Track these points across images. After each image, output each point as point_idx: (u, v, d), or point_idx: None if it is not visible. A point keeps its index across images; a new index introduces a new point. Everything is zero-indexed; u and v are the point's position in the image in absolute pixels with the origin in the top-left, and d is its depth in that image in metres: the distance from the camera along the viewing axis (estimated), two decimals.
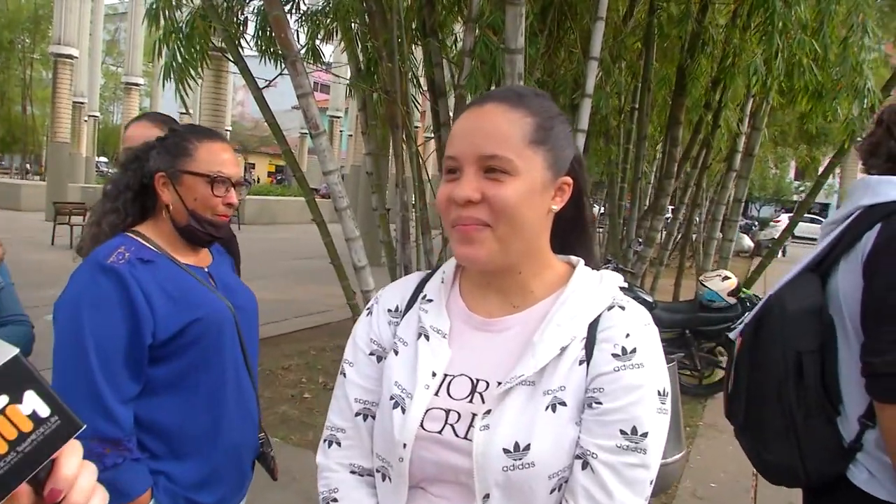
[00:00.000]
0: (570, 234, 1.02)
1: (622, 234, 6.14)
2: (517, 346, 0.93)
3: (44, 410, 0.51)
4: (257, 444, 1.64)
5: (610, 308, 0.93)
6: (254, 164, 44.77)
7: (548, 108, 0.94)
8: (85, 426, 0.54)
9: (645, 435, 0.86)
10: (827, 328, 1.49)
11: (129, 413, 1.36)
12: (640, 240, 5.84)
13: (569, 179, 0.95)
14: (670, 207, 8.06)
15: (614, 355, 0.88)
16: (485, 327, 0.97)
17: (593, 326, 0.91)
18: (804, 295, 1.53)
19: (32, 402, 0.51)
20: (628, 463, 0.85)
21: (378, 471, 0.98)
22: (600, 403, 0.87)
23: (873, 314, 1.38)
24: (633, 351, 0.88)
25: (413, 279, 1.09)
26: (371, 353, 1.03)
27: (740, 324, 1.73)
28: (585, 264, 0.99)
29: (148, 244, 1.46)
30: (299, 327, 6.99)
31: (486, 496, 0.88)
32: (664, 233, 8.53)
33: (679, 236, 10.55)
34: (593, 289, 0.95)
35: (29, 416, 0.51)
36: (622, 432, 0.86)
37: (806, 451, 1.49)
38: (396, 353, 0.99)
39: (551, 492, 0.88)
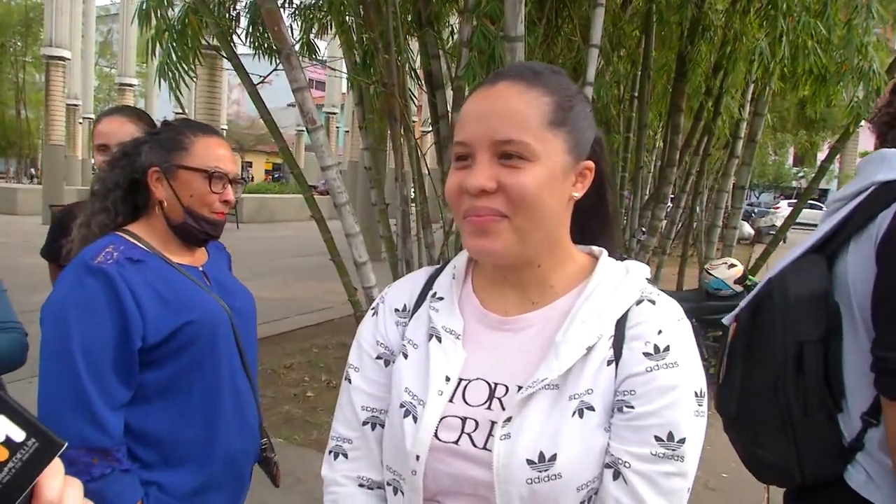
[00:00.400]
0: (590, 223, 0.95)
1: (625, 224, 6.07)
2: (538, 346, 0.86)
3: (18, 435, 0.47)
4: (257, 450, 1.57)
5: (639, 302, 0.86)
6: (251, 163, 44.66)
7: (566, 85, 0.86)
8: (66, 444, 0.50)
9: (682, 441, 0.79)
10: (832, 316, 1.36)
11: (118, 420, 1.30)
12: (643, 229, 5.78)
13: (590, 164, 0.88)
14: (671, 197, 7.99)
15: (646, 354, 0.81)
16: (502, 326, 0.90)
17: (621, 323, 0.84)
18: (808, 279, 1.41)
19: (4, 428, 0.47)
20: (664, 472, 0.78)
21: (389, 484, 0.91)
22: (632, 407, 0.80)
23: (888, 303, 1.26)
24: (667, 349, 0.81)
25: (421, 275, 1.02)
26: (378, 357, 0.96)
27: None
28: (609, 255, 0.93)
29: (138, 243, 1.39)
30: (300, 325, 6.94)
31: None
32: (666, 221, 8.47)
33: (681, 226, 10.47)
34: (619, 281, 0.88)
35: (2, 444, 0.47)
36: (657, 438, 0.78)
37: (803, 449, 1.38)
38: (406, 356, 0.92)
39: None
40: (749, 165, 6.14)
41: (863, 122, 4.80)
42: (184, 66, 3.91)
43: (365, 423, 0.94)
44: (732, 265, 5.15)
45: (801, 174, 31.32)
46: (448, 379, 0.87)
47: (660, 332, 0.82)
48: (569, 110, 0.84)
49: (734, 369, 1.52)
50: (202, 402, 1.41)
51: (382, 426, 0.93)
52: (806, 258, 1.45)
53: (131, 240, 1.39)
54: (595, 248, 0.94)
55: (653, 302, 0.86)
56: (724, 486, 3.57)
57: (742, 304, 1.55)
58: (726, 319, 1.60)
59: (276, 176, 43.70)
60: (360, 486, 0.95)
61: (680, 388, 0.80)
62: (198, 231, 1.45)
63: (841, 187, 1.55)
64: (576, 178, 0.87)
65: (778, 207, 23.41)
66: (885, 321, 1.27)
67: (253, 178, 38.92)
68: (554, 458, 0.79)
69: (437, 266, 1.02)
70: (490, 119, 0.82)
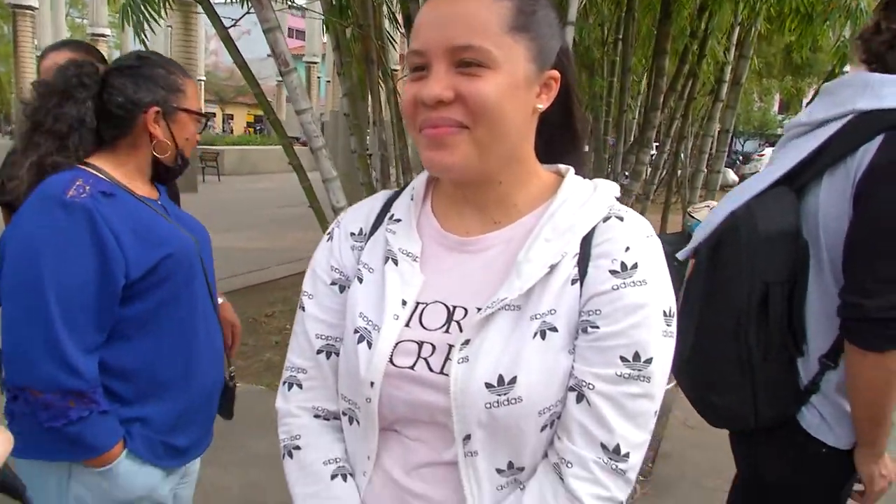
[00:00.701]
0: (556, 140, 0.90)
1: (608, 170, 6.02)
2: (500, 267, 0.82)
3: None
4: (223, 381, 1.57)
5: (606, 219, 0.81)
6: (232, 115, 43.84)
7: None
8: None
9: (649, 361, 0.75)
10: (800, 255, 1.30)
11: (93, 363, 1.26)
12: (626, 174, 5.73)
13: (556, 74, 0.82)
14: (655, 144, 7.92)
15: (612, 272, 0.77)
16: (462, 248, 0.86)
17: (587, 241, 0.80)
18: (778, 213, 1.31)
19: None
20: (630, 393, 0.75)
21: (344, 413, 0.88)
22: (597, 327, 0.76)
23: (866, 246, 1.19)
24: (635, 266, 0.77)
25: (379, 198, 0.97)
26: (332, 283, 0.92)
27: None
28: (576, 173, 0.88)
29: (103, 177, 1.33)
30: (283, 274, 6.95)
31: (467, 437, 0.78)
32: (650, 168, 8.38)
33: (664, 173, 10.41)
34: (586, 199, 0.83)
35: None
36: (623, 359, 0.75)
37: (760, 394, 1.33)
38: (361, 280, 0.88)
39: (542, 429, 0.78)
40: (733, 109, 6.07)
41: (847, 67, 4.73)
42: (149, 8, 3.76)
43: (319, 352, 0.91)
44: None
45: (786, 121, 31.20)
46: (405, 303, 0.84)
47: (627, 248, 0.78)
48: (531, 15, 0.79)
49: (691, 311, 1.44)
50: (179, 336, 1.40)
51: (338, 354, 0.90)
52: (774, 191, 1.36)
53: (96, 173, 1.33)
54: (562, 167, 0.90)
55: (620, 218, 0.82)
56: (702, 423, 3.61)
57: (698, 237, 1.46)
58: (682, 254, 1.51)
59: (259, 128, 42.99)
60: (316, 416, 0.92)
61: (648, 307, 0.77)
62: (180, 172, 1.44)
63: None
64: (540, 89, 0.82)
65: (763, 154, 23.31)
66: (860, 265, 1.20)
67: (233, 130, 38.30)
68: (514, 380, 0.76)
69: (396, 189, 0.98)
70: (446, 25, 0.76)
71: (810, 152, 1.31)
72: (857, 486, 1.40)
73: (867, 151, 1.20)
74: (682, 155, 10.29)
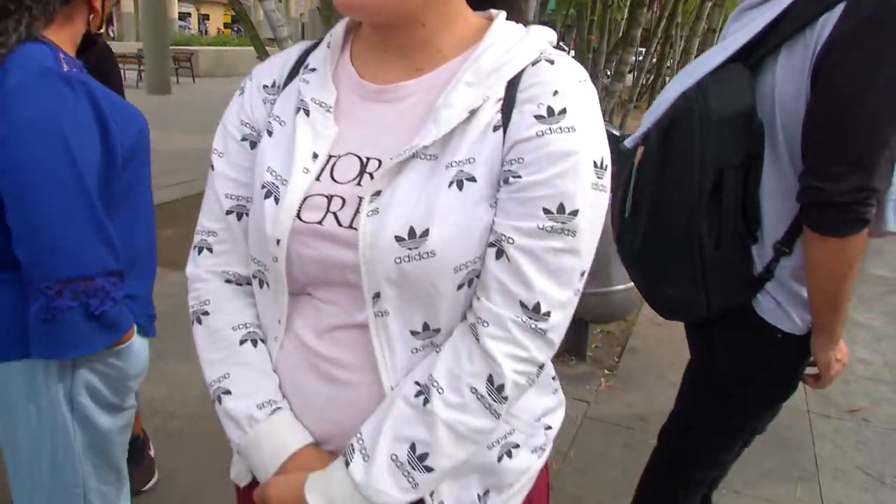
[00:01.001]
0: None
1: (590, 69, 5.86)
2: (419, 116, 0.75)
3: None
4: None
5: (535, 63, 0.74)
6: (207, 16, 41.99)
7: None
8: None
9: (574, 213, 0.69)
10: (755, 138, 1.21)
11: None
12: (609, 72, 5.58)
13: None
14: (642, 50, 7.69)
15: (538, 117, 0.70)
16: (379, 97, 0.79)
17: (513, 85, 0.73)
18: (734, 94, 1.22)
19: None
20: (552, 247, 0.69)
21: (255, 276, 0.83)
22: (519, 177, 0.70)
23: (826, 126, 1.12)
24: (563, 112, 0.70)
25: (295, 49, 0.89)
26: (243, 139, 0.85)
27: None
28: (508, 19, 0.80)
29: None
30: None
31: (377, 295, 0.73)
32: (635, 72, 8.19)
33: (651, 79, 10.19)
34: (515, 42, 0.75)
35: None
36: (546, 211, 0.69)
37: (712, 283, 1.29)
38: (271, 134, 0.81)
39: (458, 287, 0.73)
40: (721, 7, 5.88)
41: None
42: None
43: (229, 213, 0.85)
44: None
45: None
46: (315, 156, 0.77)
47: (556, 93, 0.71)
48: None
49: (642, 201, 1.38)
50: (143, 210, 1.38)
51: (248, 215, 0.84)
52: (728, 69, 1.25)
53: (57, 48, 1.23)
54: (493, 11, 0.81)
55: (551, 62, 0.74)
56: (669, 322, 3.66)
57: (647, 122, 1.36)
58: (629, 141, 1.42)
59: (237, 29, 41.35)
60: (227, 281, 0.87)
61: (576, 156, 0.69)
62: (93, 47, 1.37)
63: None
64: None
65: None
66: (821, 147, 1.14)
67: (207, 31, 36.79)
68: (426, 233, 0.70)
69: (316, 41, 0.89)
70: None
71: (766, 25, 1.20)
72: (810, 370, 1.41)
73: (827, 22, 1.10)
74: (669, 60, 10.06)
